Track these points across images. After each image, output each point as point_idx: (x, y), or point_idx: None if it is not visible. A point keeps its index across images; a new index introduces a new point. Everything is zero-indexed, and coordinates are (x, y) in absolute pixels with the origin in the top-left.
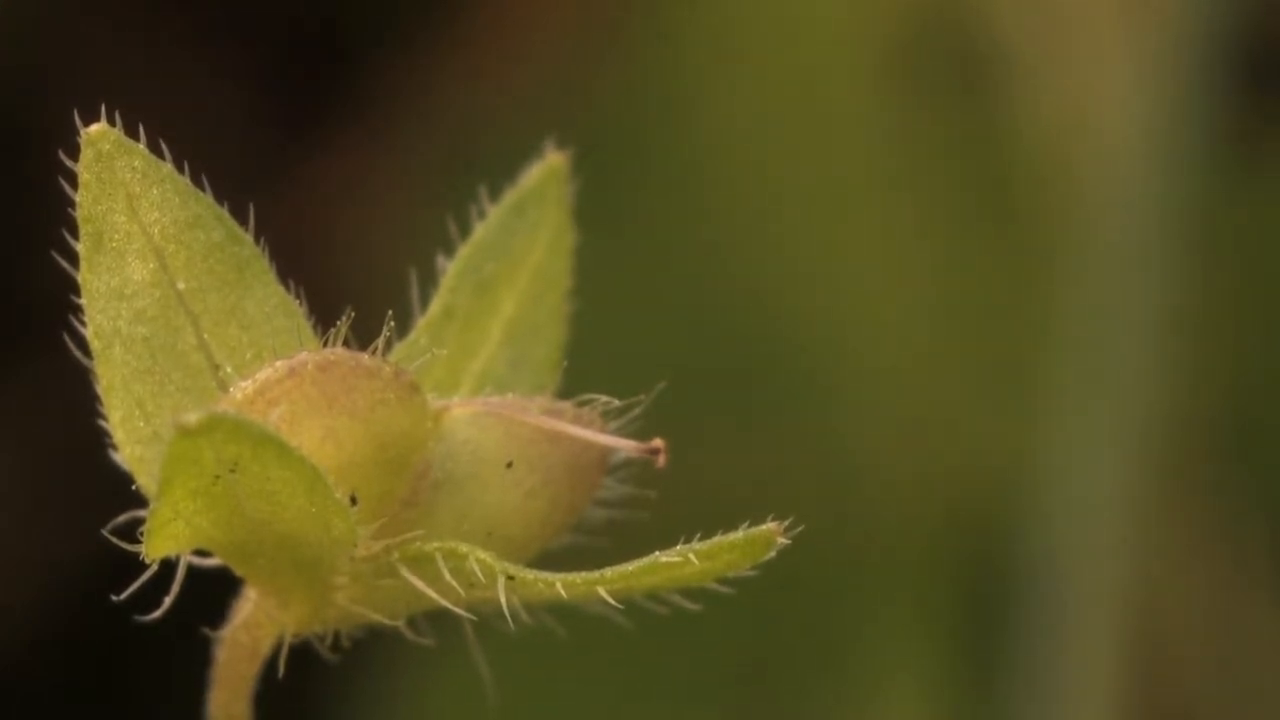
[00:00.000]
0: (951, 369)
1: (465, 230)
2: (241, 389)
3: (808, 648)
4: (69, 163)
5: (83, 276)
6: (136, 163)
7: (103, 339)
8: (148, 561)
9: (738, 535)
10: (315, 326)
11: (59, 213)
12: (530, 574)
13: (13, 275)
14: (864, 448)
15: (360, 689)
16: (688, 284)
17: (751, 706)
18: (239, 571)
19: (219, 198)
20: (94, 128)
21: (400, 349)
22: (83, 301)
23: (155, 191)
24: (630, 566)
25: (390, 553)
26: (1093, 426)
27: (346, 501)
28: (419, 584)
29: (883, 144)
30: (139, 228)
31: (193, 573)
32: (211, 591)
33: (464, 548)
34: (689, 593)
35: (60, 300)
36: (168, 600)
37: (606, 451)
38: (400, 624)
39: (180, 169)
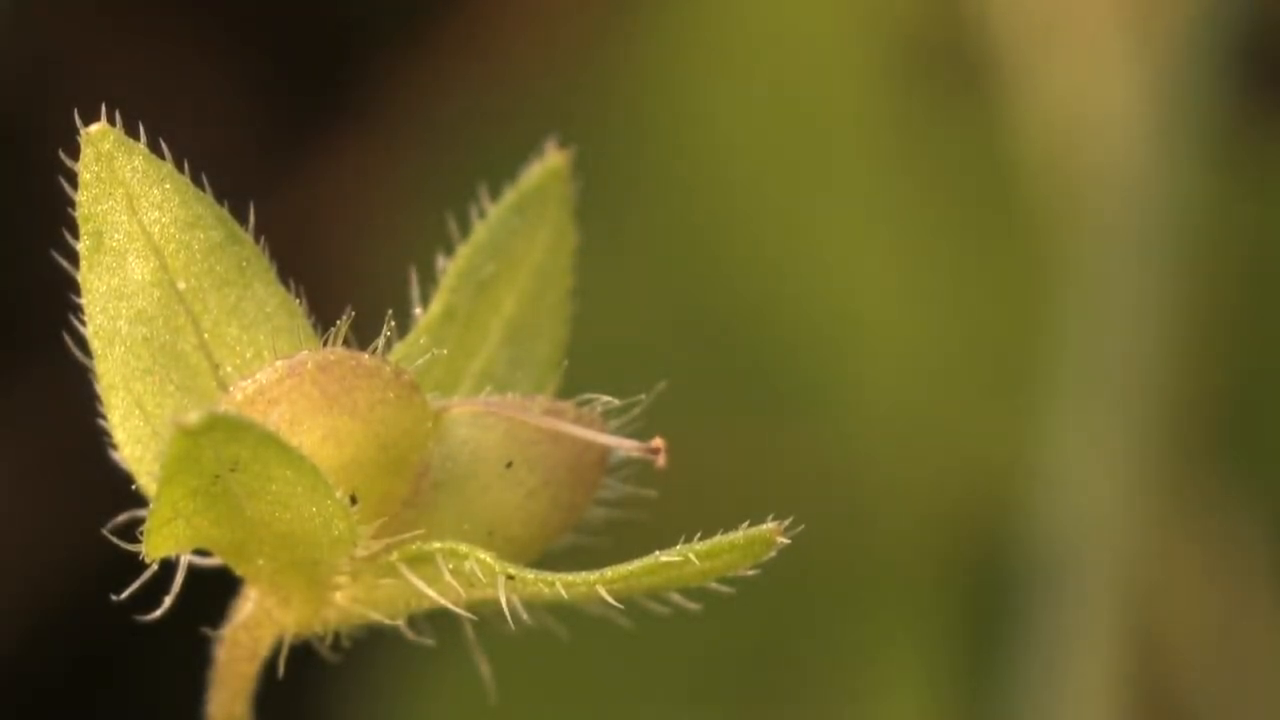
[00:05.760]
0: (952, 368)
1: (465, 230)
2: (241, 389)
3: (808, 647)
4: (69, 162)
5: (83, 276)
6: (137, 162)
7: (103, 339)
8: (148, 561)
9: (738, 535)
10: (315, 326)
11: (59, 213)
12: (530, 574)
13: (13, 275)
14: (864, 448)
15: (360, 689)
16: (688, 284)
17: (752, 706)
18: (239, 571)
19: (219, 197)
20: (94, 127)
21: (400, 349)
22: (83, 301)
23: (155, 191)
24: (630, 566)
25: (390, 552)
26: (1093, 426)
27: (347, 501)
28: (419, 584)
29: (883, 144)
30: (139, 227)
31: (193, 573)
32: (211, 591)
33: (464, 548)
34: (689, 592)
35: (60, 300)
36: (168, 600)
37: (607, 451)
38: (400, 624)
39: (180, 169)
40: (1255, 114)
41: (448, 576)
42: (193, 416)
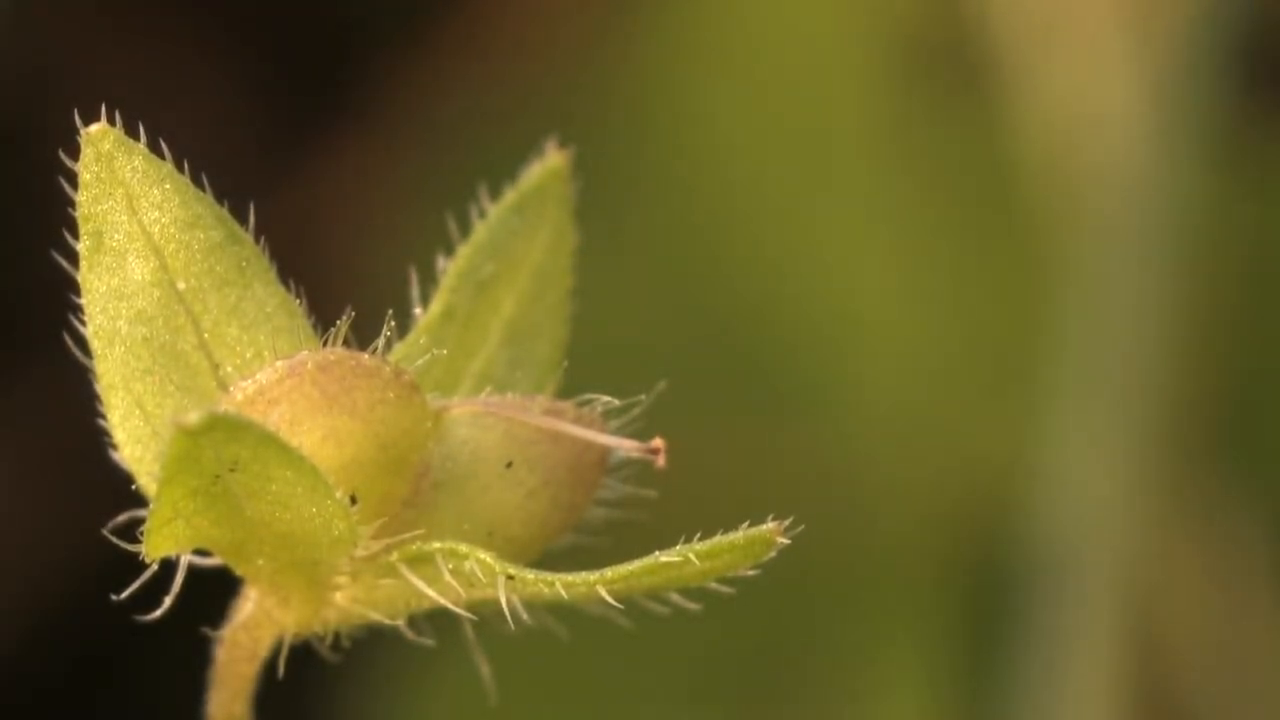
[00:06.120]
0: (952, 368)
1: (465, 230)
2: (242, 389)
3: (808, 647)
4: (69, 162)
5: (83, 276)
6: (137, 162)
7: (103, 339)
8: (148, 561)
9: (738, 535)
10: (315, 326)
11: (59, 213)
12: (530, 574)
13: (13, 275)
14: (864, 448)
15: (360, 689)
16: (688, 284)
17: (752, 706)
18: (239, 571)
19: (219, 197)
20: (94, 127)
21: (400, 349)
22: (83, 301)
23: (155, 191)
24: (631, 566)
25: (390, 552)
26: (1093, 426)
27: (347, 501)
28: (419, 584)
29: (883, 144)
30: (139, 227)
31: (193, 573)
32: (211, 591)
33: (464, 548)
34: (689, 593)
35: (60, 300)
36: (168, 600)
37: (607, 451)
38: (400, 624)
39: (180, 169)
40: (1255, 114)
41: (448, 576)
42: (193, 416)
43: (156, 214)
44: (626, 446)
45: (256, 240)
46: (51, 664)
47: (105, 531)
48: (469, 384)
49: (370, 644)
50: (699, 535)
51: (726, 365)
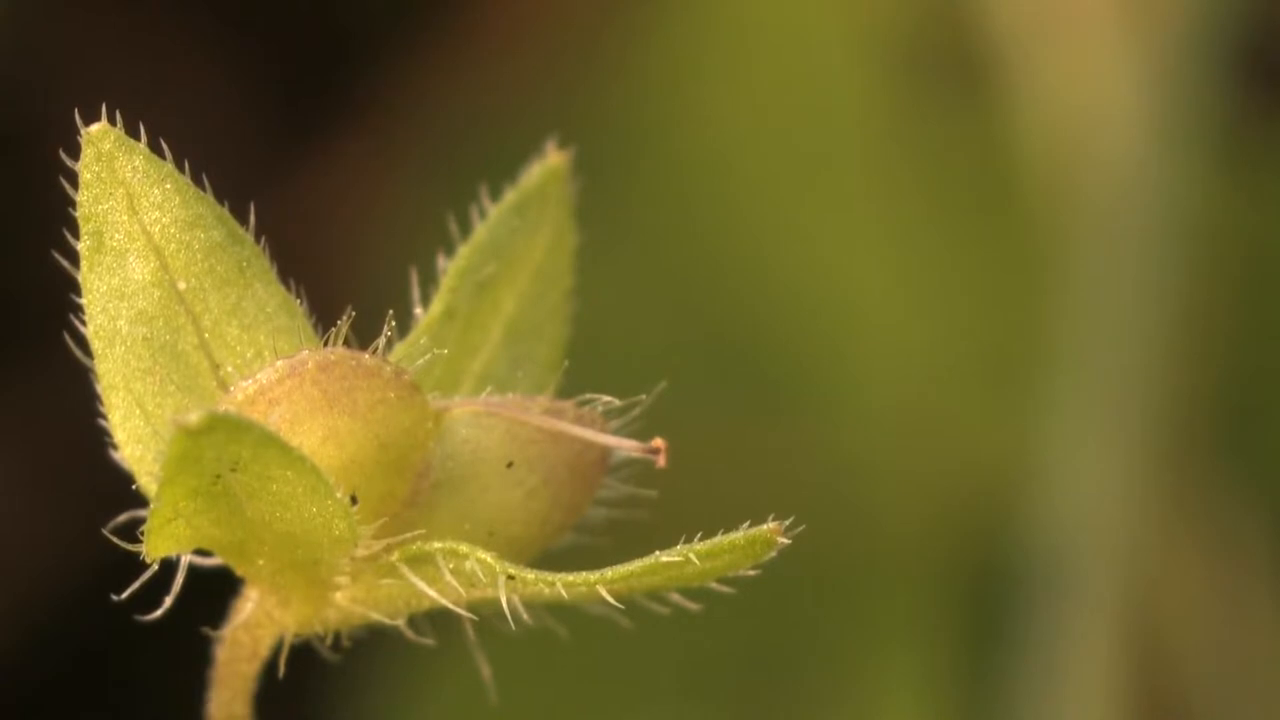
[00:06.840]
0: (952, 369)
1: (465, 230)
2: (242, 388)
3: (808, 647)
4: (69, 162)
5: (83, 276)
6: (137, 162)
7: (103, 338)
8: (148, 561)
9: (738, 535)
10: (315, 326)
11: (59, 212)
12: (531, 574)
13: (13, 275)
14: (865, 448)
15: (360, 689)
16: (688, 284)
17: (751, 706)
18: (239, 571)
19: (219, 197)
20: (95, 127)
21: (400, 349)
22: (83, 301)
23: (156, 191)
24: (631, 566)
25: (391, 552)
26: (1093, 425)
27: (347, 501)
28: (419, 584)
29: (883, 143)
30: (139, 227)
31: (193, 573)
32: (211, 591)
33: (464, 547)
34: (689, 592)
35: (60, 300)
36: (168, 600)
37: (607, 451)
38: (400, 624)
39: (181, 169)
40: (1255, 114)
41: (448, 576)
42: (193, 416)
43: (157, 214)
44: (626, 446)
45: (256, 240)
46: (51, 664)
47: (105, 531)
48: (470, 384)
49: (370, 644)
50: (699, 535)
51: (726, 365)
